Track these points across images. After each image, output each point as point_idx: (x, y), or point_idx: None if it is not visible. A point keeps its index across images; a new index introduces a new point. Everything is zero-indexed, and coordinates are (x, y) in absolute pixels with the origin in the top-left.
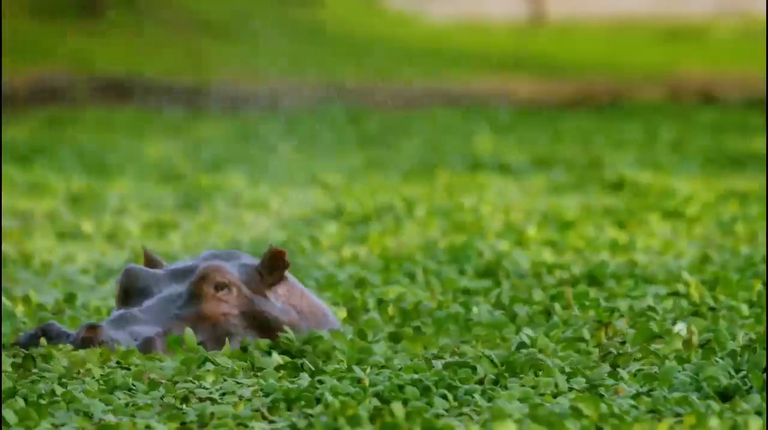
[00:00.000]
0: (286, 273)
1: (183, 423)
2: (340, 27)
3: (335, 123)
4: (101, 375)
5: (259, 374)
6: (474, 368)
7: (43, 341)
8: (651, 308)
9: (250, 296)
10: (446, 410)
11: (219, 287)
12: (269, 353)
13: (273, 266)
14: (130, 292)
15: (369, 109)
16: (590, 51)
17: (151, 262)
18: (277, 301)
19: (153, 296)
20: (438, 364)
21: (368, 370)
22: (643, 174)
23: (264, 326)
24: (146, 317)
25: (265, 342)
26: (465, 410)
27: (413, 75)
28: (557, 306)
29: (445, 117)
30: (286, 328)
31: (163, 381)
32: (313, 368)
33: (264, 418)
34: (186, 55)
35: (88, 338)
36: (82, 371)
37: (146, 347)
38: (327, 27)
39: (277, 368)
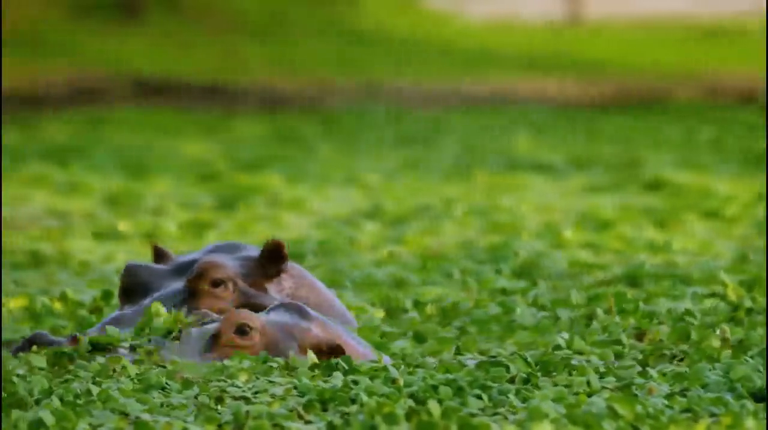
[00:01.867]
0: (296, 265)
1: (219, 424)
2: (378, 27)
3: (374, 123)
4: (136, 374)
5: (292, 373)
6: (507, 368)
7: (34, 349)
8: (689, 312)
9: (247, 291)
10: (481, 410)
11: (216, 283)
12: None
13: (272, 258)
14: (131, 289)
15: (407, 109)
16: (627, 51)
17: (160, 256)
18: (280, 294)
19: (150, 292)
20: (471, 363)
21: (401, 368)
22: (681, 174)
23: None
24: (140, 318)
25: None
26: (500, 409)
27: (451, 75)
28: (599, 311)
29: (483, 117)
30: None
31: (198, 380)
32: (347, 367)
33: (300, 417)
34: (224, 55)
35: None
36: (117, 369)
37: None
38: (365, 27)
39: (312, 367)
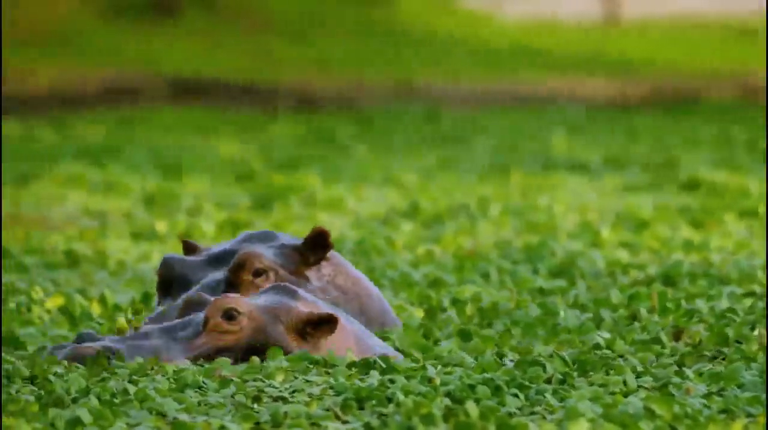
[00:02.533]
0: (334, 253)
1: (257, 423)
2: (414, 26)
3: (410, 123)
4: (174, 372)
5: (330, 371)
6: (544, 367)
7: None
8: (731, 310)
9: (288, 279)
10: (518, 409)
11: (257, 273)
12: None
13: (316, 245)
14: (170, 282)
15: (444, 108)
16: (664, 50)
17: (189, 249)
18: (320, 281)
19: (192, 284)
20: (509, 363)
21: (438, 368)
22: (718, 174)
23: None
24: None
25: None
26: (536, 409)
27: (488, 74)
28: (643, 311)
29: (520, 117)
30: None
31: (234, 378)
32: (384, 366)
33: (337, 417)
34: (259, 54)
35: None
36: (155, 367)
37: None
38: (401, 26)
39: (349, 365)
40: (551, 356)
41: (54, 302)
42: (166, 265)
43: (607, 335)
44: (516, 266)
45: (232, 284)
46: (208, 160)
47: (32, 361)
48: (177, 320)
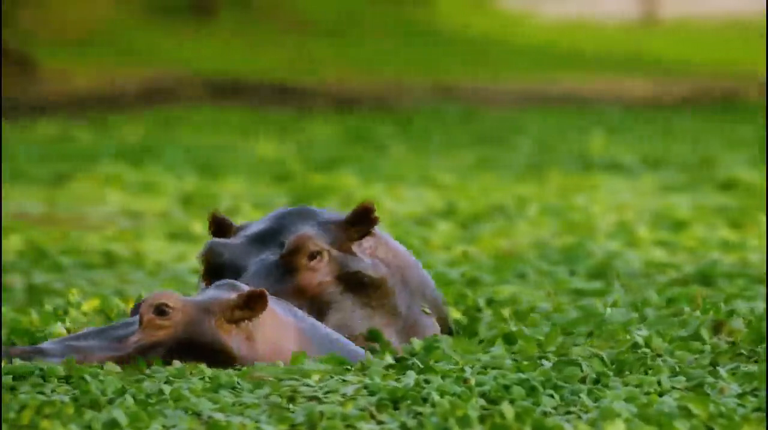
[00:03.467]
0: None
1: (292, 424)
2: (451, 26)
3: (447, 122)
4: (210, 373)
5: (366, 372)
6: (580, 367)
7: None
8: None
9: (341, 259)
10: (553, 409)
11: (312, 256)
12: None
13: (361, 221)
14: (216, 268)
15: (481, 108)
16: (702, 50)
17: (220, 224)
18: (363, 254)
19: (239, 270)
20: (547, 364)
21: (473, 368)
22: (755, 174)
23: (358, 286)
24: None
25: (380, 335)
26: (572, 409)
27: (525, 74)
28: (686, 309)
29: (557, 117)
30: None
31: (270, 379)
32: (421, 366)
33: (372, 417)
34: (296, 54)
35: None
36: (194, 370)
37: None
38: (438, 26)
39: (387, 367)
40: (589, 356)
41: (90, 305)
42: (213, 251)
43: (646, 333)
44: (553, 266)
45: (288, 268)
46: (245, 161)
47: (68, 362)
48: (120, 320)
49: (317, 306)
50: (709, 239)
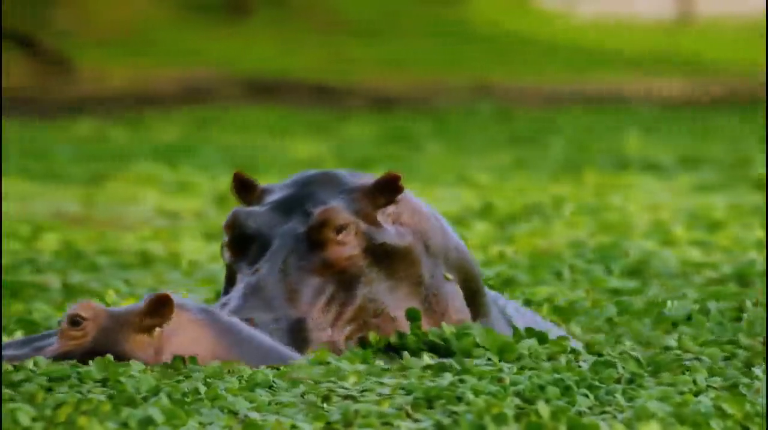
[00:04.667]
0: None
1: (328, 423)
2: (488, 25)
3: (483, 122)
4: (248, 373)
5: (404, 373)
6: (616, 367)
7: None
8: None
9: (367, 231)
10: (589, 408)
11: (339, 229)
12: (418, 354)
13: (386, 189)
14: (242, 239)
15: (517, 108)
16: (738, 49)
17: (244, 184)
18: (385, 221)
19: (265, 239)
20: (584, 364)
21: (509, 367)
22: None
23: (384, 257)
24: (278, 281)
25: (413, 340)
26: (607, 409)
27: (562, 74)
28: (748, 303)
29: (593, 116)
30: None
31: (307, 380)
32: (459, 368)
33: (408, 416)
34: (332, 54)
35: None
36: (232, 369)
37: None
38: (475, 25)
39: (425, 367)
40: (623, 355)
41: (128, 303)
42: (238, 220)
43: (676, 336)
44: (589, 265)
45: (314, 242)
46: (281, 160)
47: (104, 362)
48: (48, 331)
49: (345, 280)
50: (745, 238)
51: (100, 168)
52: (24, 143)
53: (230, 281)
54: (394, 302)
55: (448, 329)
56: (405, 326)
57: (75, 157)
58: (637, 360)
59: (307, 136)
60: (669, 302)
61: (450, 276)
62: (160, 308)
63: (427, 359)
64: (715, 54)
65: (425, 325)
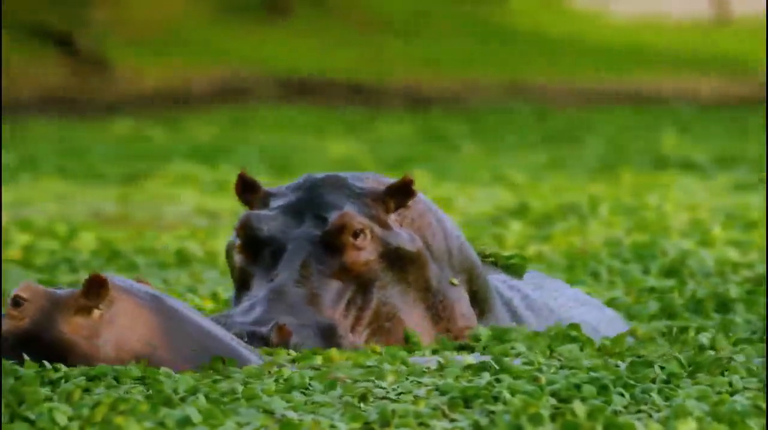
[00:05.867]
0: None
1: (366, 422)
2: (524, 25)
3: (519, 121)
4: (286, 374)
5: (443, 373)
6: (653, 366)
7: None
8: None
9: (383, 235)
10: (624, 408)
11: (356, 234)
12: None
13: (400, 194)
14: (254, 241)
15: (553, 107)
16: None
17: (248, 185)
18: (396, 226)
19: (278, 243)
20: (622, 364)
21: (544, 367)
22: None
23: (398, 261)
24: (298, 286)
25: (453, 344)
26: (643, 408)
27: (598, 73)
28: None
29: (630, 115)
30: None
31: (347, 380)
32: (498, 368)
33: (445, 416)
34: (369, 53)
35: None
36: (272, 370)
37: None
38: (511, 25)
39: (465, 367)
40: (665, 356)
41: None
42: (251, 224)
43: (710, 334)
44: (626, 265)
45: (331, 247)
46: (318, 159)
47: (142, 363)
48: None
49: (361, 284)
50: None
51: (138, 167)
52: (61, 143)
53: (243, 285)
54: (405, 306)
55: (483, 332)
56: (415, 329)
57: (112, 157)
58: (678, 360)
59: (342, 135)
60: (706, 301)
61: (456, 281)
62: (96, 289)
63: (467, 358)
64: (751, 53)
65: (430, 330)
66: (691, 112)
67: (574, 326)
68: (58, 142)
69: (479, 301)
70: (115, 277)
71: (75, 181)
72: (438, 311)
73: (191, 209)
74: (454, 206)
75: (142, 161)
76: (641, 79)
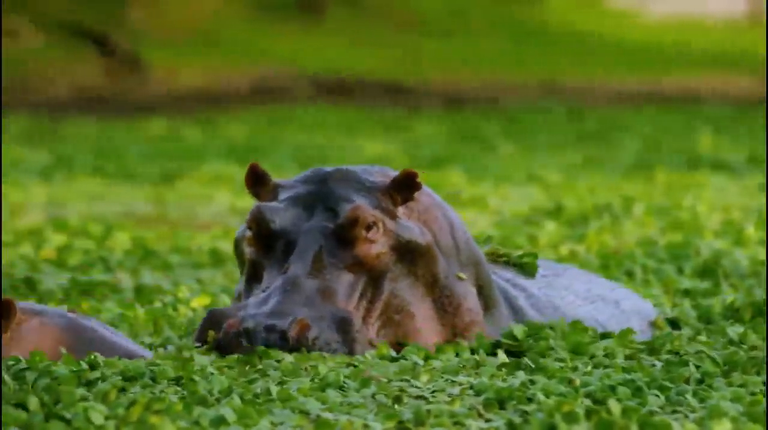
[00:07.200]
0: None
1: (400, 422)
2: (559, 25)
3: (554, 121)
4: (322, 372)
5: (477, 371)
6: (688, 366)
7: (211, 333)
8: None
9: (394, 228)
10: (660, 408)
11: (368, 227)
12: (494, 353)
13: (404, 187)
14: (266, 234)
15: (588, 107)
16: None
17: (259, 177)
18: (408, 221)
19: (289, 236)
20: (658, 364)
21: (579, 368)
22: None
23: (408, 255)
24: (311, 278)
25: (488, 341)
26: (678, 409)
27: (633, 73)
28: None
29: (664, 115)
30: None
31: (382, 379)
32: (533, 366)
33: (480, 416)
34: (404, 53)
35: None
36: (308, 367)
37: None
38: (546, 25)
39: (499, 366)
40: (700, 354)
41: (200, 302)
42: (263, 216)
43: (741, 329)
44: (660, 265)
45: (343, 240)
46: (352, 159)
47: (179, 361)
48: None
49: (373, 277)
50: None
51: (172, 167)
52: (96, 143)
53: (254, 277)
54: (414, 299)
55: (518, 329)
56: (423, 323)
57: (147, 157)
58: (713, 359)
59: (377, 135)
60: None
61: (463, 275)
62: (6, 313)
63: (502, 357)
64: None
65: (437, 324)
66: (726, 112)
67: (575, 324)
68: (93, 141)
69: (484, 296)
70: (25, 303)
71: (110, 181)
72: (444, 305)
73: (225, 209)
74: (488, 206)
75: (176, 161)
76: (676, 79)
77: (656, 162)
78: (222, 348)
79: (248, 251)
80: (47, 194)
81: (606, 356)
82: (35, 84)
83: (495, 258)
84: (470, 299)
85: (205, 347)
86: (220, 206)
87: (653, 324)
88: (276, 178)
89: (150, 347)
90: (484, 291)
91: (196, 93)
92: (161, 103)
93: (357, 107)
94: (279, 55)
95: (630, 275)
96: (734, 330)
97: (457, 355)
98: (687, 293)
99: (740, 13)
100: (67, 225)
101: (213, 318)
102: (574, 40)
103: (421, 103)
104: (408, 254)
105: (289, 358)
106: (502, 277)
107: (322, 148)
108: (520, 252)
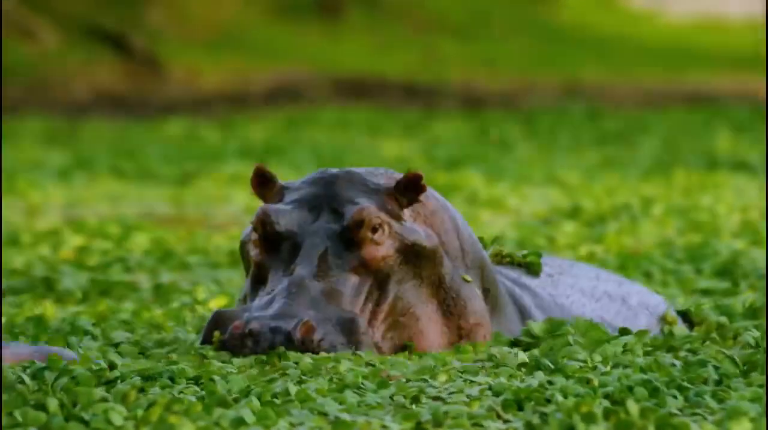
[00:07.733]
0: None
1: (418, 423)
2: (579, 25)
3: (573, 121)
4: (341, 372)
5: (496, 372)
6: (706, 366)
7: (217, 334)
8: None
9: (400, 230)
10: (679, 410)
11: (375, 229)
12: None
13: (409, 190)
14: (272, 235)
15: (607, 107)
16: None
17: (265, 178)
18: (414, 223)
19: (295, 238)
20: (677, 363)
21: (597, 368)
22: None
23: (413, 257)
24: (317, 280)
25: (506, 339)
26: (696, 410)
27: (652, 73)
28: None
29: (684, 115)
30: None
31: (401, 379)
32: (552, 367)
33: (499, 417)
34: (423, 53)
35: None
36: (328, 367)
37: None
38: (566, 25)
39: (519, 366)
40: (718, 354)
41: (218, 303)
42: (269, 218)
43: (757, 333)
44: (679, 265)
45: (349, 242)
46: (371, 160)
47: (198, 362)
48: None
49: (378, 279)
50: None
51: (191, 168)
52: (115, 143)
53: (259, 279)
54: (419, 301)
55: (537, 327)
56: (428, 325)
57: (166, 157)
58: (732, 359)
59: (397, 135)
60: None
61: (469, 278)
62: None
63: (522, 356)
64: None
65: (442, 326)
66: (745, 112)
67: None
68: (112, 142)
69: (490, 298)
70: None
71: (128, 182)
72: (450, 307)
73: (244, 209)
74: (506, 206)
75: (195, 161)
76: (696, 79)
77: (675, 162)
78: (227, 350)
79: (254, 252)
80: (66, 195)
81: (624, 353)
82: (54, 85)
83: (499, 259)
84: (476, 301)
85: (209, 348)
86: (239, 207)
87: (662, 319)
88: (294, 179)
89: (162, 345)
90: (490, 293)
91: (215, 94)
92: (180, 104)
93: (376, 108)
94: (298, 57)
95: (648, 275)
96: (751, 334)
97: (476, 355)
98: (706, 293)
99: (759, 13)
100: (86, 226)
101: (219, 319)
102: (594, 40)
103: (440, 103)
104: (413, 256)
105: (307, 358)
106: (507, 277)
107: (341, 148)
108: (524, 252)
